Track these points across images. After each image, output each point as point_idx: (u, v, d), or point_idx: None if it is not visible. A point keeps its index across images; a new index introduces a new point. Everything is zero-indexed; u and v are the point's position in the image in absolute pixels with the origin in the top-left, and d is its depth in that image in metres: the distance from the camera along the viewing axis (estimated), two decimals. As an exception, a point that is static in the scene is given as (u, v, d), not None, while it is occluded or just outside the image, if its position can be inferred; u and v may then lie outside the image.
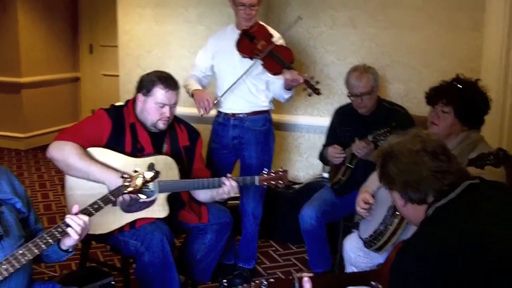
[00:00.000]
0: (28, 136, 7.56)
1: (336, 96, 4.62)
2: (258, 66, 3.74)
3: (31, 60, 7.47)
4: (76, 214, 2.32)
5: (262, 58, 3.68)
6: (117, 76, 5.73)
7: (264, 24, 3.88)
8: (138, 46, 5.43)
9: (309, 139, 4.89)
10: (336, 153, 3.73)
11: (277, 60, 3.66)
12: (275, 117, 4.44)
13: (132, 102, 3.33)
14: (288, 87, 3.66)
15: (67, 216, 2.29)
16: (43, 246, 2.21)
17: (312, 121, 4.82)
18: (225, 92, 3.80)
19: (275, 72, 3.69)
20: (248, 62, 3.75)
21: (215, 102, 3.79)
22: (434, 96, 3.04)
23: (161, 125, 3.26)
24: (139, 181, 2.59)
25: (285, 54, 3.69)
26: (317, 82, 3.60)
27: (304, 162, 4.95)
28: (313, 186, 4.41)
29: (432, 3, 4.32)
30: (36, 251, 2.20)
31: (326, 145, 3.94)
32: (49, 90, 7.83)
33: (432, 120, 3.01)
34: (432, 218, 1.85)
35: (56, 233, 2.26)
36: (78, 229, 2.28)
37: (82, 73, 8.32)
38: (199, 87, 3.90)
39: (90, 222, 2.34)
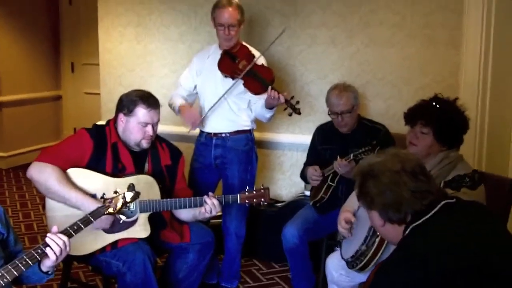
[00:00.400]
0: (9, 155, 7.50)
1: (318, 114, 4.64)
2: (239, 85, 3.76)
3: (12, 78, 7.42)
4: (55, 233, 2.30)
5: (243, 78, 3.69)
6: (99, 94, 5.71)
7: (246, 44, 3.89)
8: (119, 65, 5.43)
9: (292, 157, 4.90)
10: (314, 175, 3.75)
11: (257, 79, 3.67)
12: (257, 135, 4.45)
13: (113, 122, 3.33)
14: (269, 106, 3.67)
15: (47, 235, 2.28)
16: (22, 267, 2.19)
17: (294, 139, 4.83)
18: (208, 110, 3.81)
19: (256, 92, 3.70)
20: (229, 81, 3.76)
21: (202, 117, 3.81)
22: (413, 116, 3.03)
23: (145, 144, 3.26)
24: (119, 203, 2.58)
25: (265, 74, 3.70)
26: (297, 102, 3.61)
27: (286, 180, 4.95)
28: (295, 204, 4.41)
29: (410, 21, 4.37)
30: (15, 273, 2.17)
31: (307, 164, 3.96)
32: (30, 109, 7.78)
33: (411, 141, 3.00)
34: (409, 238, 1.87)
35: (36, 254, 2.24)
36: (57, 249, 2.27)
37: (64, 91, 8.28)
38: (185, 103, 3.92)
39: (69, 243, 2.33)
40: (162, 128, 3.69)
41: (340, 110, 3.67)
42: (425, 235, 1.82)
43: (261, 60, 3.81)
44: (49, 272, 2.39)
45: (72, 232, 2.37)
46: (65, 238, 2.30)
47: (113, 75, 5.47)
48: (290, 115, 3.63)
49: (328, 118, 3.84)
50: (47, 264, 2.33)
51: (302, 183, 4.55)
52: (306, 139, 4.19)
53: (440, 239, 1.78)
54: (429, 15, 4.30)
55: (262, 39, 4.71)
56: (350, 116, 3.69)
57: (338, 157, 3.61)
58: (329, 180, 3.75)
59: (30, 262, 2.21)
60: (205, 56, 3.96)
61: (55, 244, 2.26)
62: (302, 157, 4.21)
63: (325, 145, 3.88)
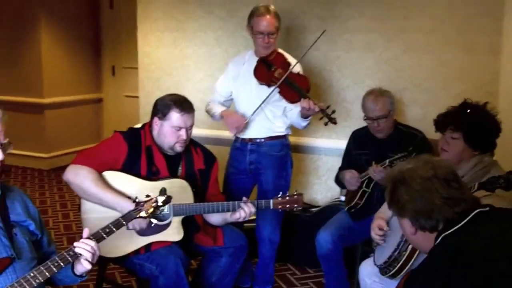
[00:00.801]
0: (50, 156, 7.63)
1: (354, 119, 4.61)
2: (275, 93, 3.75)
3: (54, 81, 7.56)
4: (81, 240, 2.31)
5: (279, 86, 3.69)
6: (139, 97, 5.78)
7: (283, 52, 3.89)
8: (157, 69, 5.50)
9: (327, 162, 4.88)
10: (352, 179, 3.72)
11: (293, 88, 3.66)
12: (293, 139, 4.44)
13: (148, 125, 3.36)
14: (304, 115, 3.67)
15: (75, 244, 2.29)
16: (54, 269, 2.22)
17: (330, 143, 4.81)
18: (252, 115, 3.80)
19: (292, 101, 3.69)
20: (264, 88, 3.77)
21: (246, 122, 3.81)
22: (442, 123, 3.03)
23: (179, 148, 3.29)
24: (151, 206, 2.61)
25: (301, 82, 3.69)
26: (333, 111, 3.59)
27: (322, 185, 4.94)
28: (330, 210, 4.38)
29: (449, 27, 4.31)
30: (47, 274, 2.20)
31: (342, 168, 3.94)
32: (72, 111, 7.92)
33: (442, 147, 2.99)
34: (441, 247, 1.83)
35: (68, 256, 2.26)
36: (89, 256, 2.29)
37: (105, 94, 8.40)
38: (226, 109, 3.95)
39: (98, 247, 2.34)
40: (198, 132, 3.72)
41: (376, 115, 3.64)
42: (457, 244, 1.79)
43: (297, 68, 3.80)
44: (83, 275, 2.41)
45: (104, 235, 2.40)
46: (92, 243, 2.31)
47: (151, 78, 5.54)
48: (326, 124, 3.61)
49: (364, 123, 3.82)
50: (80, 269, 2.35)
51: (338, 188, 4.53)
52: (342, 144, 4.17)
53: (472, 248, 1.75)
54: (467, 21, 4.24)
55: (299, 44, 4.71)
56: (386, 122, 3.66)
57: (374, 163, 3.59)
58: (364, 186, 3.72)
59: (62, 264, 2.24)
60: (241, 62, 3.97)
61: (85, 251, 2.28)
62: (338, 162, 4.18)
63: (360, 151, 3.86)
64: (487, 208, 1.91)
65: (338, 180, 3.97)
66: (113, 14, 8.05)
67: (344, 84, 4.73)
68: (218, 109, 3.94)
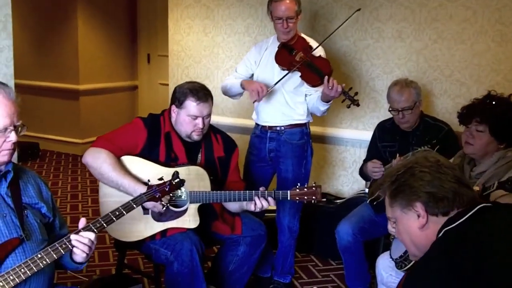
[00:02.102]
0: (85, 142, 7.70)
1: (382, 109, 4.53)
2: (296, 78, 3.70)
3: (89, 68, 7.64)
4: (79, 232, 2.30)
5: (300, 69, 3.63)
6: (172, 85, 5.80)
7: (305, 36, 3.83)
8: (187, 56, 5.49)
9: (354, 153, 4.80)
10: (375, 168, 3.65)
11: (314, 71, 3.59)
12: (319, 129, 4.38)
13: (168, 112, 3.36)
14: (325, 98, 3.59)
15: (72, 237, 2.27)
16: (61, 251, 2.24)
17: (358, 134, 4.73)
18: (276, 83, 3.70)
19: (313, 84, 3.62)
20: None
21: (269, 90, 3.71)
22: (467, 115, 2.97)
23: (195, 137, 3.27)
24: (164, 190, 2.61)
25: (322, 65, 3.60)
26: (356, 93, 3.51)
27: (348, 176, 4.87)
28: (354, 202, 4.31)
29: (482, 16, 4.18)
30: (54, 256, 2.22)
31: (366, 160, 3.87)
32: (107, 98, 8.00)
33: (467, 140, 2.93)
34: (442, 241, 1.77)
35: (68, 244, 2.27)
36: (86, 249, 2.28)
37: (140, 81, 8.46)
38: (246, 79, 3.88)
39: (95, 238, 2.32)
40: (223, 120, 3.69)
41: (401, 106, 3.58)
42: (458, 238, 1.73)
43: (319, 52, 3.73)
44: (83, 262, 2.40)
45: (114, 218, 2.41)
46: (91, 235, 2.29)
47: (181, 66, 5.54)
48: (348, 107, 3.54)
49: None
50: (78, 259, 2.35)
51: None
52: (369, 135, 4.10)
53: (474, 243, 1.68)
54: (502, 10, 4.10)
55: (327, 32, 4.62)
56: (411, 113, 3.59)
57: (398, 155, 3.52)
58: (387, 178, 3.64)
59: (69, 246, 2.26)
60: (263, 47, 3.91)
61: (82, 244, 2.27)
62: (365, 154, 4.12)
63: (385, 143, 3.80)
64: (490, 204, 1.84)
65: (362, 173, 3.91)
66: (149, 2, 8.07)
67: (373, 74, 4.64)
68: (236, 80, 3.86)
